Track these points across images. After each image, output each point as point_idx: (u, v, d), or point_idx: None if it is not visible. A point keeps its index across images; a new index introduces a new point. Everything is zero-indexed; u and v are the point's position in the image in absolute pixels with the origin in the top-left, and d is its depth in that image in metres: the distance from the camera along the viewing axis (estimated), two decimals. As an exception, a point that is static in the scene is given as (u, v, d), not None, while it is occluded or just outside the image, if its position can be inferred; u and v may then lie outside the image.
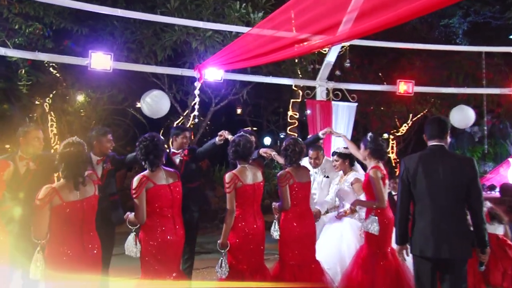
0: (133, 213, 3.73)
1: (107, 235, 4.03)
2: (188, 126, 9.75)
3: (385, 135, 14.41)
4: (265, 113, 15.80)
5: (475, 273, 4.61)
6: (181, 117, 9.86)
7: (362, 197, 4.91)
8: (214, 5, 7.61)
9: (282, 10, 4.84)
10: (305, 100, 7.47)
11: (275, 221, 4.38)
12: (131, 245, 3.67)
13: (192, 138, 11.16)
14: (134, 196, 3.63)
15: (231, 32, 7.45)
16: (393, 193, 5.72)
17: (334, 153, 5.31)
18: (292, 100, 8.89)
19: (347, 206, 5.07)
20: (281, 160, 4.64)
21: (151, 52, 8.15)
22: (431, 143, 3.74)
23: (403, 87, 7.59)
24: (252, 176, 4.14)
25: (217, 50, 7.02)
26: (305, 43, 4.84)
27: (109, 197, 4.69)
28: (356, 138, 13.28)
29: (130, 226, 3.75)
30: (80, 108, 10.05)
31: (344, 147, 5.28)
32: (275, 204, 4.54)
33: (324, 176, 5.48)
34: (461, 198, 3.53)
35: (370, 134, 4.81)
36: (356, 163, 5.40)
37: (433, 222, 3.54)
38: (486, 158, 13.26)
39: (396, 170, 11.34)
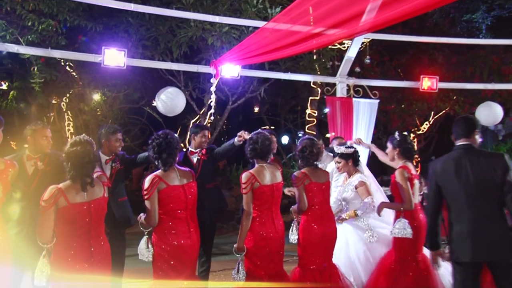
0: (145, 215, 3.53)
1: (116, 238, 3.85)
2: (205, 124, 9.64)
3: (401, 134, 14.06)
4: (282, 111, 15.62)
5: None
6: (198, 116, 9.74)
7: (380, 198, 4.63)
8: (231, 1, 7.46)
9: (299, 1, 4.60)
10: (325, 97, 7.30)
11: (293, 224, 4.20)
12: (143, 249, 3.50)
13: (209, 136, 11.10)
14: (145, 197, 3.44)
15: (248, 27, 7.28)
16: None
17: (336, 154, 4.87)
18: (310, 98, 8.74)
19: (350, 211, 4.71)
20: None
21: (166, 49, 8.05)
22: (458, 142, 3.51)
23: (427, 83, 7.33)
24: (270, 176, 3.93)
25: (234, 46, 6.82)
26: (326, 33, 4.59)
27: (118, 199, 4.51)
28: (376, 136, 13.09)
29: (142, 229, 3.56)
30: (96, 107, 10.04)
31: (346, 146, 4.86)
32: (293, 207, 4.32)
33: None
34: (496, 196, 3.27)
35: (397, 133, 4.58)
36: (361, 162, 5.05)
37: (470, 224, 3.28)
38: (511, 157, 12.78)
39: (417, 170, 11.05)
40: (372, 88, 7.39)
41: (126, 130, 11.18)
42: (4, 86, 9.16)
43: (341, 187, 4.92)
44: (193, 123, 9.26)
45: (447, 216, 3.47)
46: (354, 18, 4.23)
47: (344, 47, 8.58)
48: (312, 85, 8.29)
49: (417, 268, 4.25)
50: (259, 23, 6.69)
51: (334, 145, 6.01)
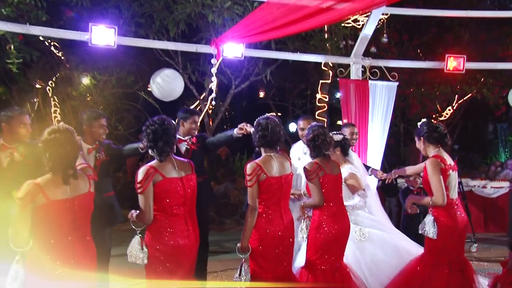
0: (138, 211, 3.41)
1: (101, 239, 3.74)
2: (205, 110, 9.57)
3: (424, 120, 13.94)
4: (290, 96, 15.51)
5: None
6: (197, 101, 9.67)
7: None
8: (234, -27, 7.30)
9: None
10: (338, 79, 7.17)
11: (302, 221, 4.12)
12: (136, 250, 3.36)
13: (210, 124, 11.04)
14: (139, 191, 3.31)
15: (253, 2, 7.22)
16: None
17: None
18: (321, 81, 8.65)
19: None
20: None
21: (162, 27, 7.98)
22: None
23: (453, 63, 7.23)
24: (278, 167, 3.79)
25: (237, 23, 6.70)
26: (337, 7, 4.46)
27: (103, 194, 4.40)
28: (394, 123, 12.95)
29: (134, 227, 3.44)
30: (85, 92, 9.98)
31: (334, 133, 4.63)
32: (304, 202, 4.22)
33: (306, 153, 4.95)
34: None
35: (422, 121, 4.42)
36: (351, 151, 4.88)
37: None
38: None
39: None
40: (390, 69, 7.30)
41: (119, 117, 11.11)
42: (-23, 68, 9.06)
43: None
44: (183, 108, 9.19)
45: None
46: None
47: (359, 24, 8.43)
48: (323, 67, 8.16)
49: (451, 276, 4.09)
50: (265, -2, 6.57)
51: (345, 134, 5.88)
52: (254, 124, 3.92)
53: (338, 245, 4.05)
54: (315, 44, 8.67)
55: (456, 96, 11.76)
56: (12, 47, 6.08)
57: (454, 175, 4.20)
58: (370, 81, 7.10)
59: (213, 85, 6.84)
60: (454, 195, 4.21)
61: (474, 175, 9.73)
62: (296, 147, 5.44)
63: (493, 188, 8.66)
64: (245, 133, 4.69)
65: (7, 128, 3.97)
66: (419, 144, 4.35)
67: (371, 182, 6.83)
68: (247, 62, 9.37)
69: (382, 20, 8.22)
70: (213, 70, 6.58)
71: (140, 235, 3.40)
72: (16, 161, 3.93)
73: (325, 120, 9.13)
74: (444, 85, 10.99)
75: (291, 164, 3.98)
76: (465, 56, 7.30)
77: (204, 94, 9.61)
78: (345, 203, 4.29)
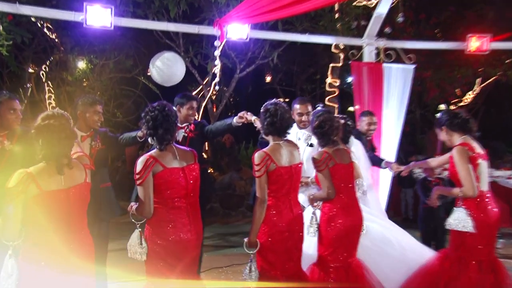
0: (137, 204, 3.39)
1: (97, 233, 3.73)
2: (208, 96, 9.55)
3: (442, 106, 13.86)
4: (298, 81, 15.46)
5: None
6: (200, 86, 9.64)
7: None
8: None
9: None
10: (349, 62, 7.11)
11: (312, 215, 4.05)
12: (135, 245, 3.33)
13: (214, 110, 11.02)
14: (138, 182, 3.27)
15: None
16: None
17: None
18: (331, 65, 8.61)
19: None
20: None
21: (162, 8, 8.02)
22: None
23: (475, 43, 7.14)
24: (288, 155, 3.74)
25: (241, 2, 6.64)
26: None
27: (100, 185, 4.38)
28: (410, 109, 12.84)
29: (134, 220, 3.41)
30: (81, 76, 9.98)
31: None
32: (311, 194, 4.15)
33: (308, 144, 4.87)
34: None
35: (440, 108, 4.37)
36: (354, 139, 4.75)
37: None
38: None
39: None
40: (406, 51, 7.22)
41: (118, 103, 11.12)
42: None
43: None
44: (180, 93, 9.17)
45: None
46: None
47: (372, 3, 8.32)
48: (333, 49, 8.11)
49: (482, 277, 4.01)
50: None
51: (362, 123, 5.81)
52: (262, 110, 3.86)
53: (351, 240, 4.00)
54: (325, 25, 8.64)
55: (478, 79, 11.66)
56: (1, 28, 6.02)
57: (484, 165, 4.11)
58: (384, 64, 7.04)
59: (217, 69, 6.84)
60: (485, 186, 4.12)
61: (498, 165, 9.60)
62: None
63: (519, 179, 8.56)
64: (245, 122, 4.64)
65: None
66: (443, 135, 4.26)
67: (385, 173, 6.79)
68: (252, 44, 9.34)
69: (397, -3, 8.16)
70: (217, 53, 6.56)
71: (140, 229, 3.37)
72: (7, 150, 3.89)
73: (336, 106, 9.08)
74: (465, 67, 10.88)
75: (299, 153, 3.94)
76: (489, 35, 7.19)
77: (207, 79, 9.60)
78: None
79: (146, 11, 7.94)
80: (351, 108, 14.59)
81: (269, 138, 3.82)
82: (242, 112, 4.65)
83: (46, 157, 2.92)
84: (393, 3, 7.52)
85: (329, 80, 8.38)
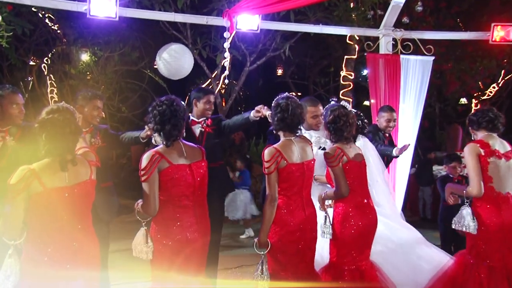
0: (143, 201, 3.40)
1: (98, 233, 3.75)
2: (217, 90, 9.58)
3: (463, 100, 13.76)
4: (311, 74, 15.47)
5: None
6: (209, 80, 9.67)
7: None
8: None
9: None
10: (365, 54, 7.12)
11: (325, 215, 4.04)
12: (141, 244, 3.35)
13: (223, 105, 11.05)
14: (142, 178, 3.30)
15: None
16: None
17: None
18: (346, 57, 8.57)
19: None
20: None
21: None
22: None
23: (500, 33, 7.06)
24: (300, 152, 3.75)
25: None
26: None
27: (101, 184, 4.39)
28: (428, 103, 12.78)
29: (140, 218, 3.45)
30: (85, 69, 10.05)
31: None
32: (323, 194, 4.14)
33: (320, 147, 4.83)
34: None
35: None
36: (363, 138, 4.71)
37: None
38: None
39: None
40: (425, 42, 7.16)
41: (123, 97, 11.18)
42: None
43: None
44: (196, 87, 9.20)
45: None
46: None
47: (389, -9, 8.29)
48: (348, 41, 8.09)
49: (493, 280, 3.99)
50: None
51: (381, 119, 5.77)
52: (273, 105, 3.86)
53: (366, 241, 3.99)
54: (339, 15, 8.64)
55: (503, 71, 11.59)
56: (0, 18, 6.04)
57: (502, 164, 4.09)
58: (401, 56, 6.99)
59: (226, 62, 6.81)
60: (503, 188, 4.09)
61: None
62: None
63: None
64: (261, 116, 4.65)
65: None
66: (472, 131, 4.34)
67: (402, 170, 6.76)
68: (263, 36, 9.33)
69: (416, -14, 8.12)
70: (226, 45, 6.55)
71: (146, 228, 3.40)
72: (9, 146, 3.92)
73: (351, 100, 9.04)
74: (488, 58, 10.80)
75: (312, 149, 3.94)
76: (516, 24, 7.11)
77: (216, 72, 9.60)
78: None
79: (153, 1, 7.95)
80: (366, 103, 14.59)
81: (280, 134, 3.83)
82: (260, 106, 4.66)
83: (50, 153, 2.95)
84: (411, -9, 7.52)
85: (343, 73, 8.35)
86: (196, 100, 5.04)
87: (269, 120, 4.39)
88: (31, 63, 9.60)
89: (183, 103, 3.58)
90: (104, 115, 4.66)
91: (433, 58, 7.07)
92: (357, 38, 7.77)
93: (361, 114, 4.53)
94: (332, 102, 4.50)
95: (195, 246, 3.38)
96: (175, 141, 3.43)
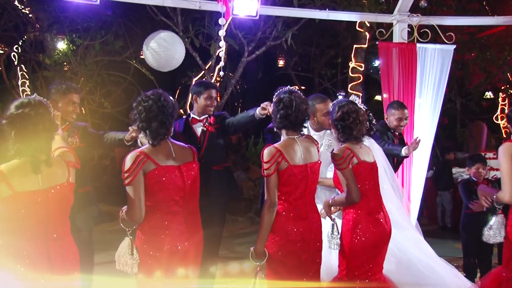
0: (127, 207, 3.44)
1: (76, 242, 3.78)
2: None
3: (489, 94, 13.78)
4: (316, 65, 15.46)
5: None
6: (202, 71, 9.69)
7: None
8: None
9: None
10: (377, 43, 7.14)
11: (332, 223, 4.05)
12: (125, 255, 3.38)
13: (218, 100, 11.06)
14: (126, 181, 3.32)
15: None
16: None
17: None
18: (355, 46, 8.57)
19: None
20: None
21: None
22: None
23: None
24: (303, 153, 3.77)
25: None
26: None
27: (78, 189, 4.40)
28: (448, 98, 12.80)
29: (124, 227, 3.46)
30: (62, 60, 9.99)
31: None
32: (330, 199, 4.15)
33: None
34: None
35: None
36: (369, 139, 4.69)
37: None
38: None
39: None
40: (445, 29, 7.15)
41: (105, 91, 11.17)
42: None
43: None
44: (196, 81, 9.17)
45: None
46: None
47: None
48: (358, 28, 8.11)
49: None
50: None
51: (391, 117, 5.77)
52: (274, 100, 3.89)
53: (379, 251, 3.99)
54: (348, -1, 8.60)
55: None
56: None
57: None
58: (418, 45, 6.97)
59: (221, 52, 6.82)
60: None
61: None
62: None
63: None
64: (268, 114, 4.67)
65: None
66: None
67: (418, 173, 6.76)
68: (263, 22, 9.35)
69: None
70: (221, 33, 6.56)
71: (131, 237, 3.42)
72: None
73: (360, 94, 9.07)
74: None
75: (318, 150, 3.95)
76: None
77: (210, 63, 9.62)
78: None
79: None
80: (378, 97, 14.62)
81: (283, 133, 3.85)
82: (266, 103, 4.68)
83: (20, 153, 2.95)
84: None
85: (352, 64, 8.39)
86: (196, 96, 5.09)
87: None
88: (-1, 51, 9.57)
89: (171, 98, 3.60)
90: (83, 111, 4.67)
91: (454, 46, 7.05)
92: (368, 24, 7.80)
93: (370, 113, 4.55)
94: (340, 97, 4.52)
95: (186, 257, 3.40)
96: (162, 140, 3.45)
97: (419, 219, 6.56)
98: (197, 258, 3.52)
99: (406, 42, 7.06)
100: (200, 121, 5.10)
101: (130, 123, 3.87)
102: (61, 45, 9.99)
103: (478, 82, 11.59)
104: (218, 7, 6.26)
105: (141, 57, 9.68)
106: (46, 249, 2.98)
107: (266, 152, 3.65)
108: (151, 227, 3.37)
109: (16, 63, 9.32)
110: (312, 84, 16.04)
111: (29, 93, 9.10)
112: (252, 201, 10.02)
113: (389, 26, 7.25)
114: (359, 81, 8.61)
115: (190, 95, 5.21)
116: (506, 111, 11.86)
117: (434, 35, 7.15)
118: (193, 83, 9.01)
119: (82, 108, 4.62)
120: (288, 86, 3.94)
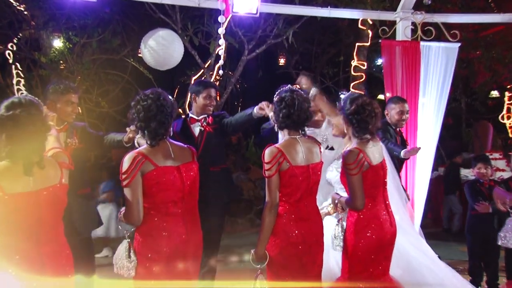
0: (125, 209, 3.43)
1: (75, 246, 3.77)
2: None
3: (494, 93, 13.77)
4: (318, 64, 15.43)
5: None
6: (201, 70, 9.69)
7: None
8: None
9: None
10: (380, 41, 7.13)
11: (337, 224, 4.05)
12: (122, 258, 3.38)
13: (218, 99, 11.06)
14: (124, 183, 3.32)
15: None
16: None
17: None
18: (357, 44, 8.58)
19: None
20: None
21: None
22: None
23: None
24: (305, 153, 3.77)
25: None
26: None
27: (77, 191, 4.42)
28: (453, 97, 12.78)
29: (122, 229, 3.44)
30: (58, 58, 9.97)
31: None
32: (336, 197, 4.14)
33: (327, 147, 4.86)
34: None
35: None
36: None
37: None
38: None
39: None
40: (450, 26, 7.18)
41: (102, 91, 11.16)
42: None
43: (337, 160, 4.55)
44: (195, 80, 9.17)
45: None
46: None
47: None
48: (360, 26, 8.10)
49: None
50: None
51: (392, 112, 5.78)
52: (275, 99, 3.87)
53: (384, 254, 3.96)
54: (350, -4, 8.59)
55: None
56: None
57: None
58: (422, 43, 7.01)
59: (221, 50, 6.82)
60: None
61: None
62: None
63: None
64: (264, 115, 4.69)
65: None
66: None
67: (422, 174, 6.77)
68: (263, 20, 9.34)
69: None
70: (221, 31, 6.56)
71: (129, 239, 3.42)
72: None
73: (363, 93, 9.07)
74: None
75: (321, 151, 3.94)
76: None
77: (209, 62, 9.59)
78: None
79: (137, -21, 7.97)
80: (381, 96, 14.60)
81: (284, 132, 3.84)
82: (264, 103, 4.67)
83: (12, 155, 2.92)
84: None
85: (354, 62, 8.38)
86: (195, 95, 5.11)
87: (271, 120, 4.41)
88: (-7, 49, 9.55)
89: (170, 97, 3.60)
90: (80, 111, 4.66)
91: (459, 44, 7.08)
92: (371, 22, 7.78)
93: None
94: (351, 91, 4.51)
95: (185, 259, 3.40)
96: (161, 141, 3.45)
97: (422, 221, 6.56)
98: (197, 260, 3.53)
99: (409, 40, 7.09)
100: (198, 120, 5.12)
101: (128, 122, 3.86)
102: (57, 43, 9.97)
103: (483, 80, 11.61)
104: (218, 5, 6.30)
105: (139, 55, 9.66)
106: (38, 251, 2.96)
107: (267, 153, 3.65)
108: (150, 229, 3.37)
109: (11, 61, 9.26)
110: (314, 83, 16.07)
111: (24, 92, 9.09)
112: (252, 202, 10.03)
113: (392, 23, 7.28)
114: (361, 80, 8.57)
115: (189, 94, 5.22)
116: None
117: (438, 33, 7.17)
118: (192, 82, 9.03)
119: (79, 108, 4.61)
120: (289, 85, 3.94)
